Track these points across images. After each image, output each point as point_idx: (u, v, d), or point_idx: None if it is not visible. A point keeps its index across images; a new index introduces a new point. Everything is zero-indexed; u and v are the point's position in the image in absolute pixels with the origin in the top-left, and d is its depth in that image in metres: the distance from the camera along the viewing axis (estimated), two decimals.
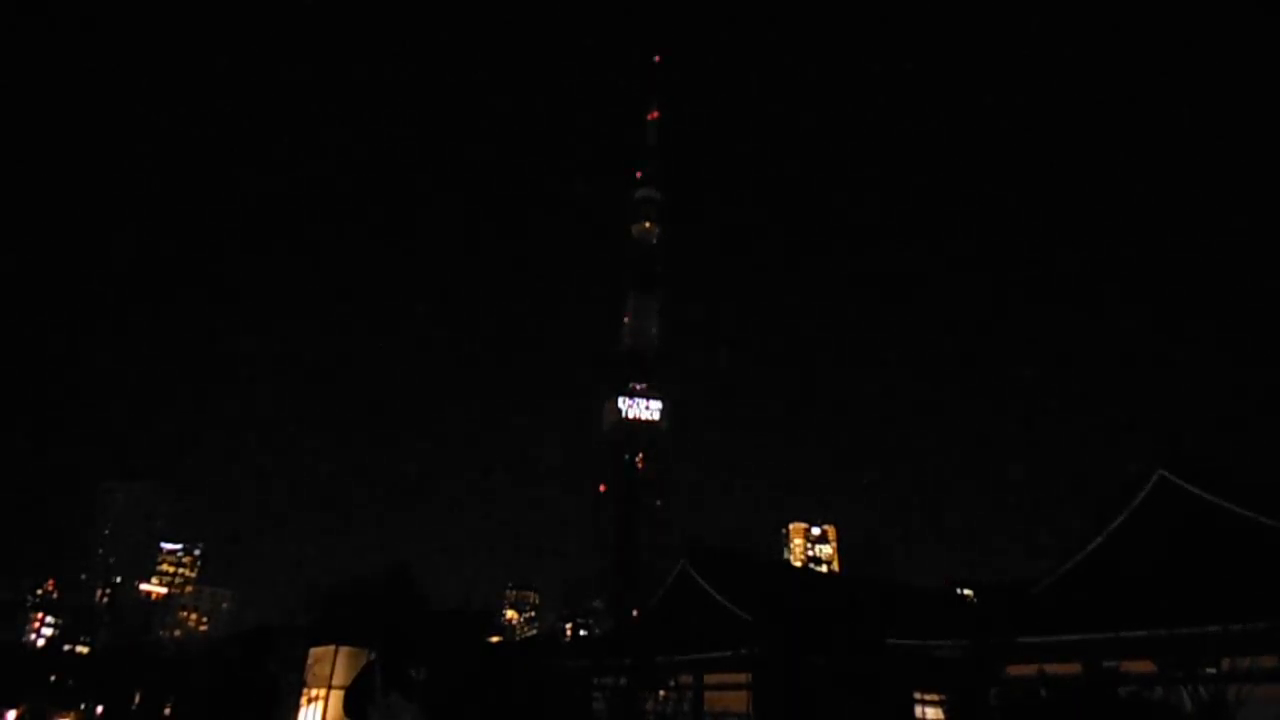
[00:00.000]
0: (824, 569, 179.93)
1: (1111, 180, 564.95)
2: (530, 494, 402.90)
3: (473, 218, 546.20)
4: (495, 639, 47.26)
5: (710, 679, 31.62)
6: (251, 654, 8.63)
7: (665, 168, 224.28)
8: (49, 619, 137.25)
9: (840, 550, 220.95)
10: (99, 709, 53.18)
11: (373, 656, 7.58)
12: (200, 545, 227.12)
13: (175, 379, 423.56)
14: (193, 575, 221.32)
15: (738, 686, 29.93)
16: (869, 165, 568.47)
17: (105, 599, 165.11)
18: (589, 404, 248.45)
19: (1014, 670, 21.79)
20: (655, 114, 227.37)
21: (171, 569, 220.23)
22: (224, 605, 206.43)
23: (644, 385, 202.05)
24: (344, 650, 32.85)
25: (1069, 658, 20.67)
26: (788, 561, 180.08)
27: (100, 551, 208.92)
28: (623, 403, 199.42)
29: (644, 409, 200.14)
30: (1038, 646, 22.37)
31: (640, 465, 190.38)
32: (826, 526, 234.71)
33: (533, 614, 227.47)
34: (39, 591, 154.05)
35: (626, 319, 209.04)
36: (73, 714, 54.94)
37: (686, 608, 37.23)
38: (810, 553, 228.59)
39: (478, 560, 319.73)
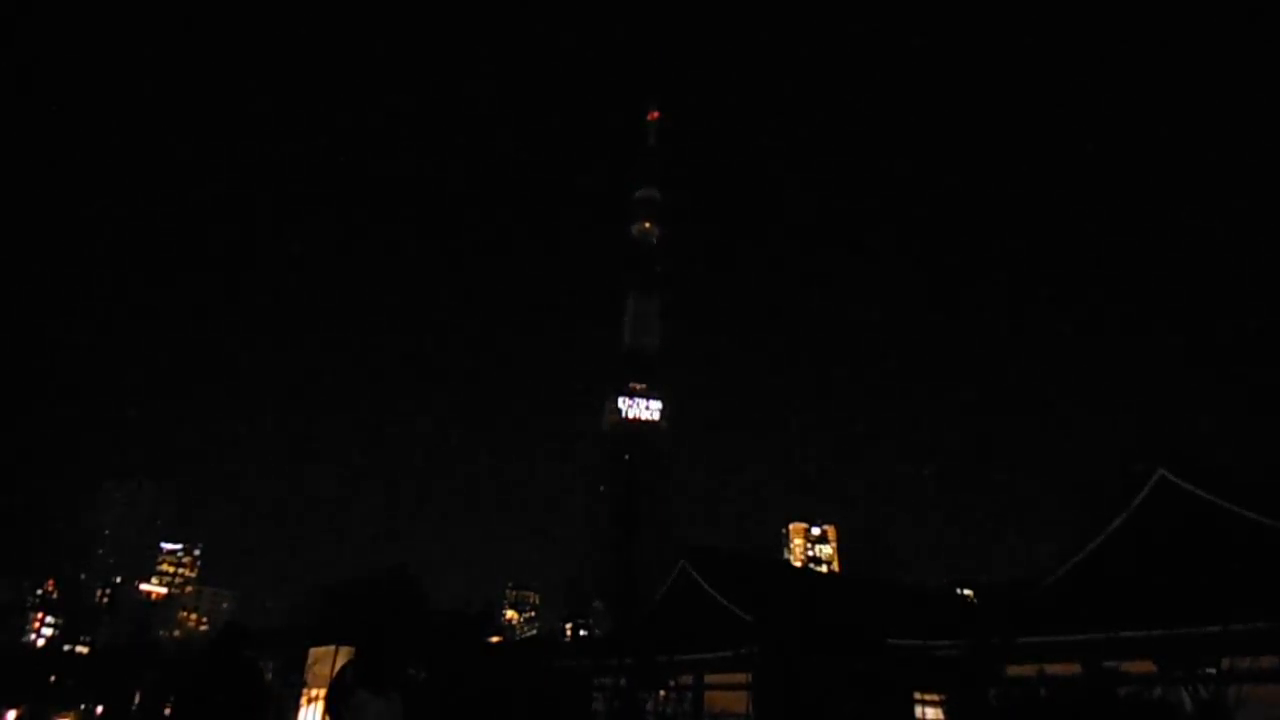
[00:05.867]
0: (824, 569, 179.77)
1: (1112, 180, 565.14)
2: (530, 493, 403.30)
3: (472, 219, 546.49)
4: (495, 639, 47.34)
5: (710, 679, 31.57)
6: (224, 645, 8.44)
7: (665, 168, 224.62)
8: (49, 619, 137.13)
9: (840, 550, 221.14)
10: (99, 709, 53.24)
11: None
12: (200, 545, 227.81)
13: (175, 378, 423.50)
14: (193, 575, 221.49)
15: (738, 686, 29.86)
16: (871, 164, 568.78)
17: (105, 599, 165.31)
18: (589, 404, 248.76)
19: (1014, 670, 21.75)
20: (655, 114, 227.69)
21: (171, 569, 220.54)
22: (224, 605, 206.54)
23: (644, 385, 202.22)
24: (344, 650, 32.82)
25: (1069, 658, 20.66)
26: (788, 561, 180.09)
27: (100, 551, 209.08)
28: (623, 402, 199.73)
29: (644, 409, 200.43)
30: (1038, 646, 22.33)
31: (640, 465, 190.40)
32: (826, 526, 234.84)
33: (533, 614, 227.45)
34: (39, 591, 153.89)
35: (626, 319, 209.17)
36: (73, 714, 54.94)
37: (686, 608, 37.19)
38: (810, 553, 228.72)
39: (478, 560, 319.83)
